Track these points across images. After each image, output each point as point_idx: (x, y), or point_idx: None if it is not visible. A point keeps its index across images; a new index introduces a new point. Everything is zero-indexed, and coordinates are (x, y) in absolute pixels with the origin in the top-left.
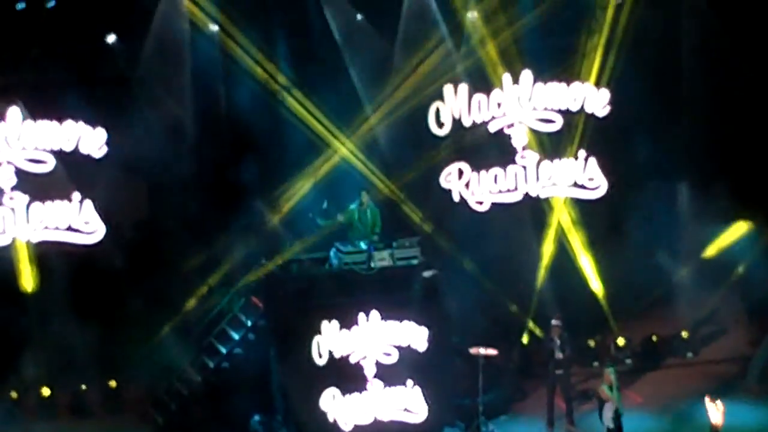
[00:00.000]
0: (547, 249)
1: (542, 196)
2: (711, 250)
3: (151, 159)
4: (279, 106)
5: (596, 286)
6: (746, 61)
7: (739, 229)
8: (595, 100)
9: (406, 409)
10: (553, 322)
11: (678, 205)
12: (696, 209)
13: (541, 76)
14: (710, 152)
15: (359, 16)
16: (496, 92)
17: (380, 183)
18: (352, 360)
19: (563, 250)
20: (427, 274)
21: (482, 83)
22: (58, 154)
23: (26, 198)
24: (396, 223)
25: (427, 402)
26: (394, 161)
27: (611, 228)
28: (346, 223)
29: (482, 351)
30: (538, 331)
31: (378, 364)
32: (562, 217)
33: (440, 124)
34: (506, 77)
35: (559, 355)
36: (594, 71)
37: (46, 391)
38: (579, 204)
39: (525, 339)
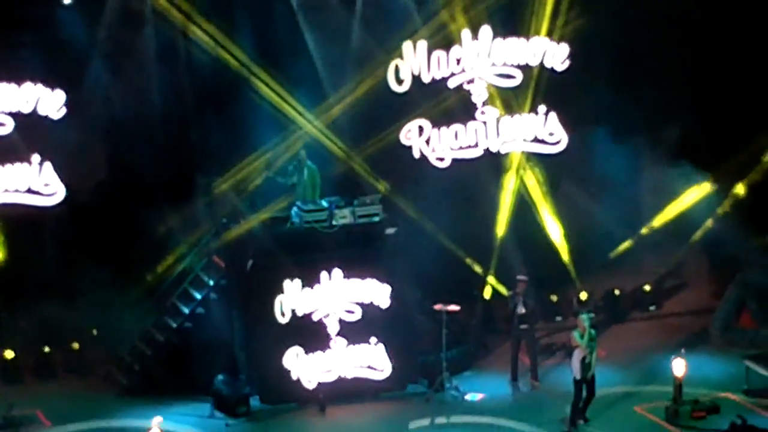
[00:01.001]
0: (507, 205)
1: (502, 151)
2: (674, 208)
3: (110, 121)
4: (240, 79)
5: (558, 241)
6: (705, 9)
7: (702, 188)
8: (554, 54)
9: (369, 367)
10: (519, 277)
11: (639, 161)
12: (657, 165)
13: (500, 31)
14: (671, 107)
15: None
16: (455, 48)
17: (341, 152)
18: (315, 318)
19: (524, 205)
20: (390, 231)
21: (442, 41)
22: (17, 116)
23: None
24: (356, 188)
25: (390, 359)
26: (356, 134)
27: (572, 183)
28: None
29: (445, 307)
30: (500, 287)
31: (341, 322)
32: (522, 172)
33: (399, 81)
34: (465, 33)
35: (521, 309)
36: (551, 26)
37: (9, 354)
38: (539, 159)
39: (487, 294)
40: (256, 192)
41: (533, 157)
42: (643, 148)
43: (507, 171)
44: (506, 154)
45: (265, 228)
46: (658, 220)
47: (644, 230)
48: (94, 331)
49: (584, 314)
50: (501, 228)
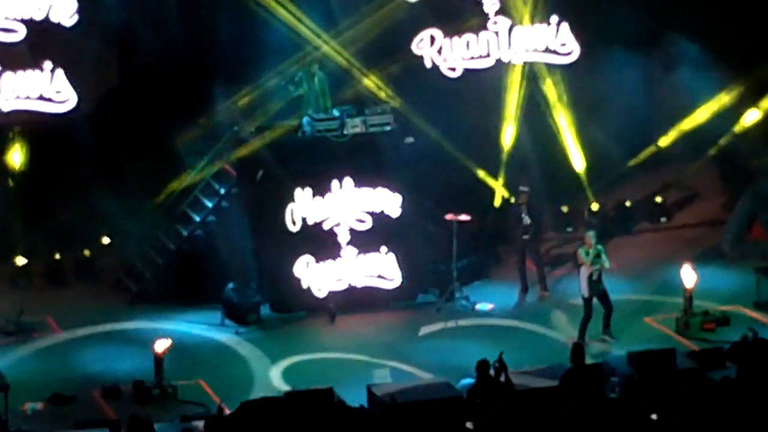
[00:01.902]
0: (515, 115)
1: (514, 61)
2: (691, 120)
3: (124, 29)
4: None
5: (572, 152)
6: None
7: (721, 100)
8: None
9: (380, 276)
10: (521, 188)
11: (657, 72)
12: (675, 76)
13: None
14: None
15: None
16: None
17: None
18: (326, 227)
19: (536, 116)
20: (408, 140)
21: None
22: (29, 23)
23: None
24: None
25: (401, 268)
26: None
27: (588, 93)
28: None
29: (456, 217)
30: (510, 197)
31: (352, 231)
32: (541, 81)
33: None
34: None
35: (527, 220)
36: None
37: (20, 260)
38: (554, 69)
39: (497, 203)
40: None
41: (552, 67)
42: (660, 58)
43: (520, 81)
44: (518, 65)
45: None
46: (673, 133)
47: (659, 143)
48: (105, 240)
49: (591, 231)
50: (510, 138)
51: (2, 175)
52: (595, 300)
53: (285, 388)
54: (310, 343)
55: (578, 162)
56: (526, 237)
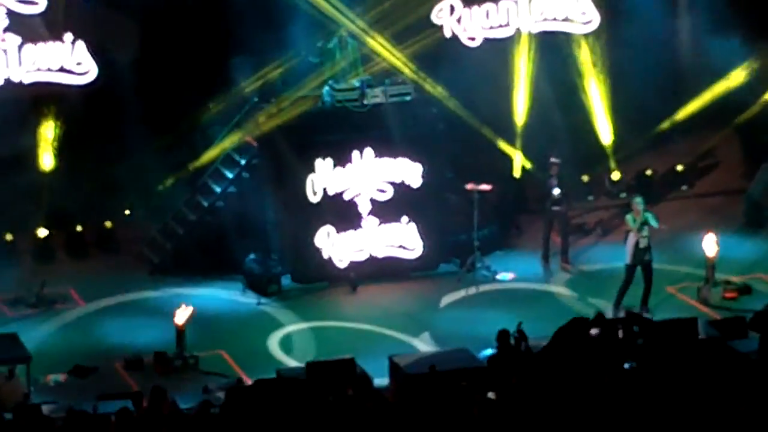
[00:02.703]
0: (530, 84)
1: (534, 31)
2: (717, 89)
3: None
4: None
5: (597, 121)
6: None
7: (746, 69)
8: None
9: (401, 246)
10: (552, 159)
11: (682, 40)
12: (704, 43)
13: None
14: None
15: None
16: None
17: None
18: (347, 197)
19: (557, 84)
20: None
21: None
22: None
23: (18, 39)
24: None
25: (422, 238)
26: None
27: (610, 61)
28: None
29: (477, 186)
30: (529, 165)
31: (372, 201)
32: (570, 50)
33: None
34: None
35: (556, 191)
36: None
37: (42, 232)
38: (579, 39)
39: (517, 173)
40: (289, 71)
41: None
42: (687, 21)
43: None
44: (538, 34)
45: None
46: (697, 102)
47: (680, 114)
48: (127, 212)
49: (638, 198)
50: (524, 108)
51: (25, 149)
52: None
53: (306, 358)
54: (331, 313)
55: (604, 131)
56: (556, 208)
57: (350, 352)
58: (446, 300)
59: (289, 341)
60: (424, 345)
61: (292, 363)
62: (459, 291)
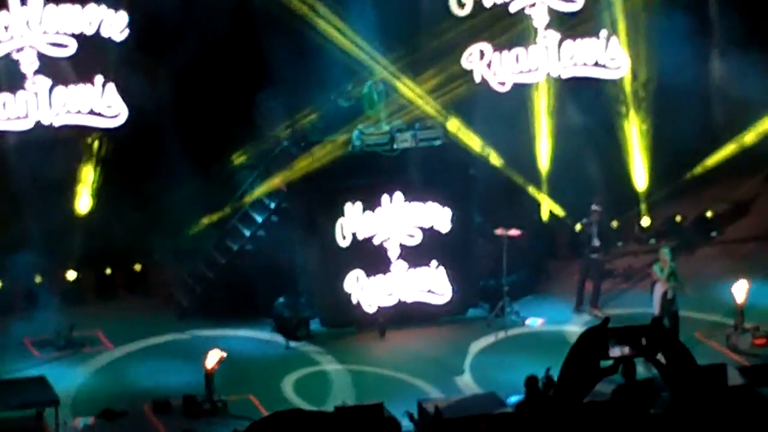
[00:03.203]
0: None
1: (563, 76)
2: (751, 136)
3: (174, 43)
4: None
5: (630, 165)
6: None
7: None
8: None
9: (430, 291)
10: (593, 207)
11: (716, 83)
12: (738, 88)
13: None
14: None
15: None
16: None
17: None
18: (376, 242)
19: (586, 128)
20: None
21: None
22: (80, 38)
23: (49, 82)
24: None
25: (451, 283)
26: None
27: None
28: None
29: (506, 232)
30: (559, 211)
31: (402, 246)
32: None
33: (461, 5)
34: None
35: (596, 241)
36: None
37: (71, 275)
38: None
39: (545, 218)
40: (319, 116)
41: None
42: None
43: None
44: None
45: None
46: (729, 148)
47: (712, 160)
48: (156, 256)
49: (666, 248)
50: (550, 152)
51: (57, 188)
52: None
53: (335, 403)
54: (360, 358)
55: (635, 176)
56: (594, 256)
57: (379, 397)
58: (476, 346)
59: (317, 385)
60: (452, 390)
61: (320, 407)
62: (489, 336)
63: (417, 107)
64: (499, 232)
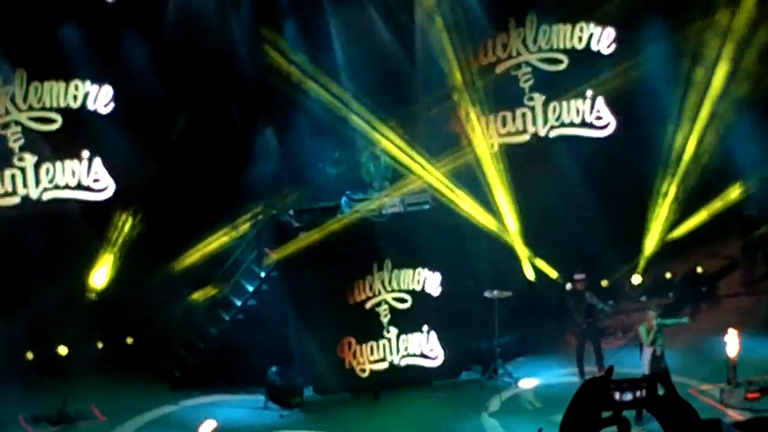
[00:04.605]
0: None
1: (551, 136)
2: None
3: (160, 116)
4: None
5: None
6: None
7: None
8: (601, 38)
9: (422, 355)
10: (576, 276)
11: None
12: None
13: (545, 17)
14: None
15: None
16: (501, 35)
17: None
18: (367, 307)
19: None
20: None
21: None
22: (65, 113)
23: (35, 158)
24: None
25: (443, 346)
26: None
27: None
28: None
29: (497, 293)
30: (548, 269)
31: (393, 311)
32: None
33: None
34: (511, 21)
35: (584, 307)
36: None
37: (63, 350)
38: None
39: (532, 277)
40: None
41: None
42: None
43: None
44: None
45: (314, 218)
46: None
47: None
48: (146, 327)
49: (652, 309)
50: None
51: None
52: None
53: None
54: (355, 423)
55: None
56: (590, 320)
57: None
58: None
59: None
60: None
61: None
62: (487, 399)
63: (415, 175)
64: (488, 294)
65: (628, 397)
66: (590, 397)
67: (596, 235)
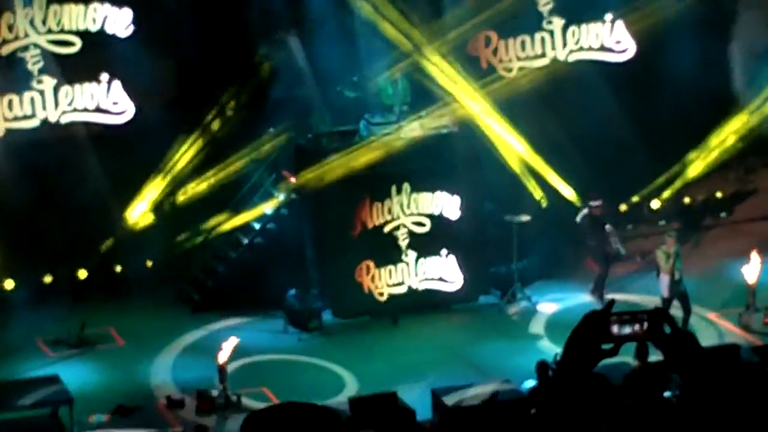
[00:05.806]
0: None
1: (570, 60)
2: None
3: (180, 39)
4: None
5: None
6: None
7: None
8: None
9: (441, 279)
10: (592, 203)
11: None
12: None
13: None
14: None
15: None
16: None
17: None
18: (386, 231)
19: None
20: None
21: None
22: (84, 35)
23: (54, 80)
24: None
25: (462, 271)
26: None
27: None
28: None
29: (515, 218)
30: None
31: (411, 234)
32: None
33: None
34: None
35: (622, 250)
36: None
37: (82, 273)
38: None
39: (543, 203)
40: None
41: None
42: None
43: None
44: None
45: (332, 142)
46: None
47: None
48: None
49: (673, 232)
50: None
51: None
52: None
53: (349, 393)
54: (373, 347)
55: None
56: (602, 253)
57: (393, 387)
58: (487, 332)
59: (331, 376)
60: (465, 377)
61: (334, 398)
62: (499, 322)
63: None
64: (508, 218)
65: (626, 330)
66: (590, 329)
67: (617, 158)
